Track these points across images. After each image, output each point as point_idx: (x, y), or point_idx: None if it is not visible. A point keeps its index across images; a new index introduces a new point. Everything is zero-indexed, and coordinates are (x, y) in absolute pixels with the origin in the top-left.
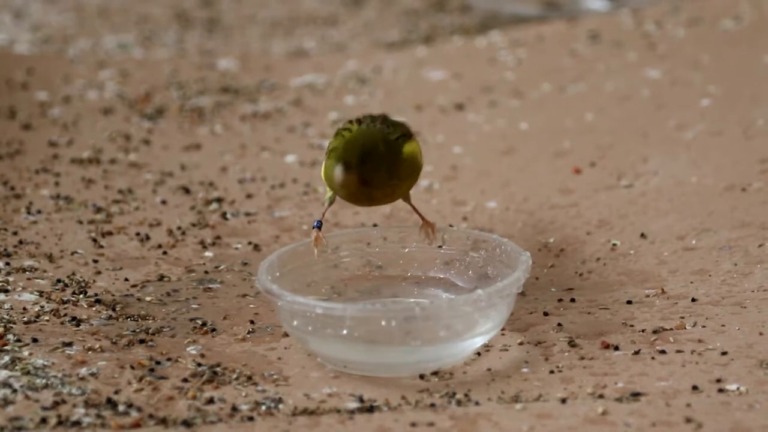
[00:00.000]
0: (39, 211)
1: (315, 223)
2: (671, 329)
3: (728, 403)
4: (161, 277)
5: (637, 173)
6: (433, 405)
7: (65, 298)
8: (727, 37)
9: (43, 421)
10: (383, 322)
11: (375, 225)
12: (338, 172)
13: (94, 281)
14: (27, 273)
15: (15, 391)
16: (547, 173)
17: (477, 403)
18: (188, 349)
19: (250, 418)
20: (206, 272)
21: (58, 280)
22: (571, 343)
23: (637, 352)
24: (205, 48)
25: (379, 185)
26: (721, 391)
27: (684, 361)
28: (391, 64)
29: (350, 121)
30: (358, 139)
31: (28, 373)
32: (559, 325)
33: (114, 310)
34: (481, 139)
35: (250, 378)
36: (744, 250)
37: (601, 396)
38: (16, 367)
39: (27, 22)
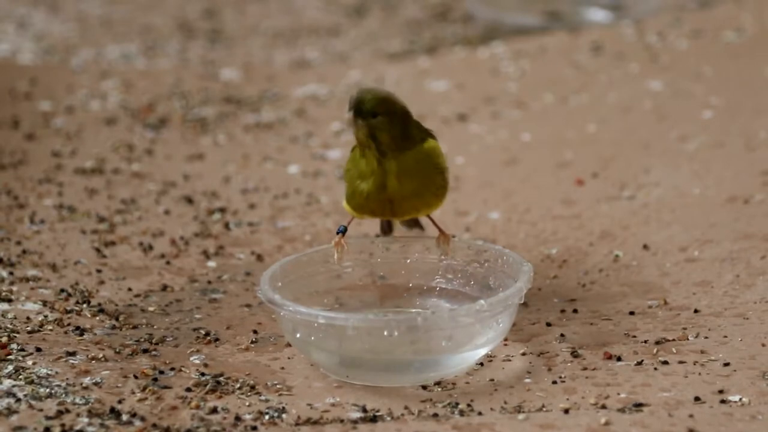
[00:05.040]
0: (42, 221)
1: (339, 229)
2: (674, 340)
3: (731, 414)
4: (164, 287)
5: (639, 184)
6: (435, 415)
7: (69, 308)
8: (730, 49)
9: (47, 430)
10: (386, 332)
11: (378, 235)
12: (348, 117)
13: (98, 291)
14: (30, 282)
15: (19, 400)
16: (549, 184)
17: (480, 413)
18: (191, 358)
19: (254, 428)
20: (209, 282)
21: (62, 290)
22: (574, 354)
23: (639, 363)
24: (208, 58)
25: (388, 146)
26: (723, 402)
27: (686, 372)
28: (393, 74)
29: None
30: (376, 90)
31: (31, 382)
32: (562, 335)
33: (117, 319)
34: (483, 149)
35: (253, 388)
36: (746, 261)
37: (603, 406)
38: (20, 377)
39: (30, 32)
